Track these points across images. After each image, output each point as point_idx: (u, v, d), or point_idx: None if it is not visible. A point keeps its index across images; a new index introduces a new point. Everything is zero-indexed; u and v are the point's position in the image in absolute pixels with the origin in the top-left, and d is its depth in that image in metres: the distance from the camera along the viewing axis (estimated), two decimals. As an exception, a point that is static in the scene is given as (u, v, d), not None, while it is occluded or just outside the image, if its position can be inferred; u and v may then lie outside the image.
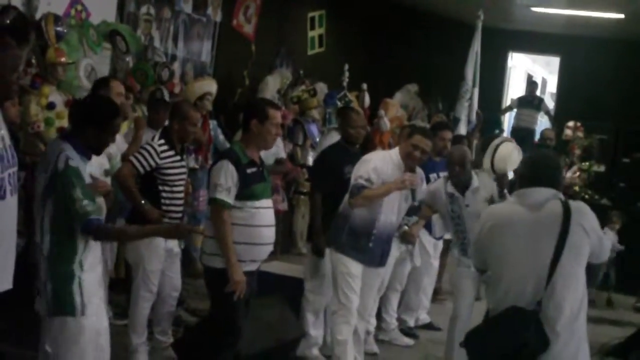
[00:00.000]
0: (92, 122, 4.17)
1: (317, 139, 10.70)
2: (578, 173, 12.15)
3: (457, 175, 6.24)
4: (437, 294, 8.86)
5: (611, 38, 14.54)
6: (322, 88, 11.95)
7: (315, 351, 6.68)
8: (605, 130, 13.95)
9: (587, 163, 12.45)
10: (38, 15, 7.34)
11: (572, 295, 3.93)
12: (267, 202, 5.30)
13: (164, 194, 5.95)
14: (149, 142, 6.01)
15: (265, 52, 11.72)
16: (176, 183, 6.03)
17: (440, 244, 7.89)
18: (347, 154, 6.46)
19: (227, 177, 5.04)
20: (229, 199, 5.05)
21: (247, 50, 11.17)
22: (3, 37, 3.66)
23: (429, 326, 8.14)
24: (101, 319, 4.25)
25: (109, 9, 8.66)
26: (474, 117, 10.37)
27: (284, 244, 10.49)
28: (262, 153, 5.48)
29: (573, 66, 15.60)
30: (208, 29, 10.70)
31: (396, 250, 6.74)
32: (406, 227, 6.69)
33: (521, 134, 13.69)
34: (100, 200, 5.51)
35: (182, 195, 6.14)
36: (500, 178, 6.42)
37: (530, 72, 19.07)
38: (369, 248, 5.93)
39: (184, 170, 6.18)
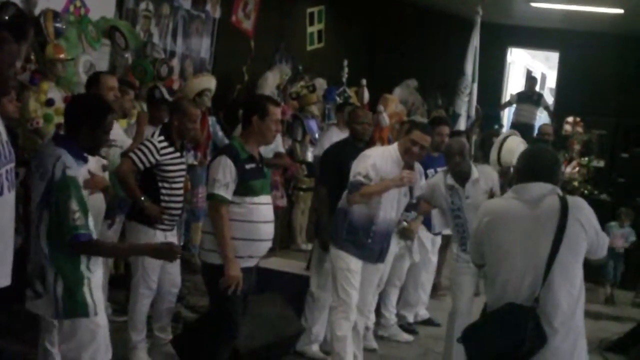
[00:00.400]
0: (85, 121, 4.12)
1: (317, 135, 10.70)
2: (577, 168, 12.16)
3: (457, 166, 6.22)
4: (436, 290, 8.86)
5: (610, 33, 14.53)
6: (321, 84, 11.96)
7: (315, 347, 6.69)
8: (605, 126, 13.94)
9: (587, 158, 12.47)
10: (37, 12, 7.33)
11: (569, 291, 3.93)
12: (266, 198, 5.30)
13: (163, 191, 5.95)
14: (149, 139, 6.00)
15: (265, 48, 11.71)
16: (176, 180, 6.02)
17: (439, 239, 7.90)
18: (354, 150, 6.44)
19: (225, 172, 5.04)
20: (227, 194, 5.05)
21: (246, 46, 11.16)
22: (0, 32, 3.66)
23: (428, 322, 8.15)
24: (104, 315, 4.25)
25: (107, 5, 8.65)
26: (473, 112, 10.36)
27: (283, 240, 10.49)
28: (262, 149, 5.48)
29: (572, 61, 15.58)
30: (207, 25, 10.69)
31: (395, 246, 6.75)
32: (405, 223, 6.69)
33: (520, 129, 13.56)
34: (99, 199, 5.54)
35: (181, 191, 6.14)
36: (506, 171, 6.42)
37: (530, 67, 19.06)
38: (368, 244, 5.94)
39: (183, 166, 6.18)
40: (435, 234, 7.66)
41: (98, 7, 8.27)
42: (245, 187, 5.11)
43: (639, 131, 13.71)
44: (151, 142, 5.90)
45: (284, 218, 10.47)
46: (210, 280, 5.29)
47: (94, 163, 5.02)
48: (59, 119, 6.74)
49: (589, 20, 13.95)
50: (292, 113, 10.89)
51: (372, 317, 7.04)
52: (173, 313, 6.45)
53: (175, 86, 8.90)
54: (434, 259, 8.02)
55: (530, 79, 15.86)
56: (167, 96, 7.42)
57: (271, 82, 10.99)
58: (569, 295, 3.93)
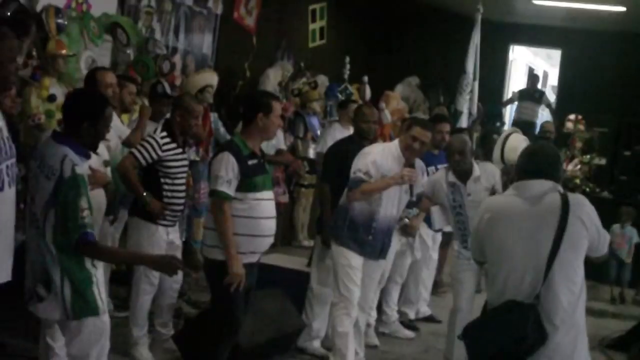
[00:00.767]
0: (85, 117, 4.11)
1: (318, 132, 10.70)
2: (579, 166, 12.16)
3: (458, 164, 6.23)
4: (438, 287, 8.87)
5: (613, 31, 14.52)
6: (323, 80, 11.95)
7: (316, 343, 6.69)
8: (607, 123, 13.95)
9: (588, 156, 12.46)
10: (39, 8, 7.33)
11: (570, 288, 3.91)
12: (268, 194, 5.31)
13: (165, 187, 5.95)
14: (151, 135, 6.01)
15: (266, 44, 11.71)
16: (178, 175, 6.03)
17: (439, 236, 7.90)
18: (358, 148, 6.43)
19: (227, 169, 5.04)
20: (230, 191, 5.05)
21: (248, 43, 11.15)
22: (0, 27, 3.65)
23: (429, 319, 8.16)
24: (107, 312, 4.26)
25: (109, 1, 8.65)
26: (474, 110, 10.37)
27: (285, 237, 10.50)
28: (263, 145, 5.49)
29: (574, 59, 15.58)
30: (209, 22, 10.69)
31: (397, 243, 6.75)
32: (407, 220, 6.69)
33: (522, 127, 13.54)
34: (100, 194, 5.54)
35: (183, 187, 6.15)
36: (510, 169, 6.42)
37: (532, 65, 19.06)
38: (369, 240, 5.94)
39: (185, 162, 6.18)
40: (436, 231, 7.65)
41: (100, 3, 8.26)
42: (247, 183, 5.11)
43: (641, 129, 13.74)
44: (153, 138, 5.91)
45: (285, 214, 10.49)
46: (212, 276, 5.30)
47: (95, 159, 5.01)
48: (60, 115, 6.74)
49: (591, 18, 13.94)
50: (294, 110, 10.90)
51: (374, 314, 7.05)
52: (174, 309, 6.46)
53: (177, 82, 8.90)
54: (435, 255, 8.03)
55: (532, 77, 15.87)
56: (169, 91, 7.41)
57: (273, 78, 11.00)
58: (570, 293, 3.91)
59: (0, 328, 5.81)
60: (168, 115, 6.44)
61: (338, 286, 5.98)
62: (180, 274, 6.21)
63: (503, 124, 14.71)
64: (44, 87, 6.82)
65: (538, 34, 15.74)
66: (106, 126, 4.27)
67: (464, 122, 10.10)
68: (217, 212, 5.10)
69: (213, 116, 8.67)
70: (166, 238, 5.95)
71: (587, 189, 11.41)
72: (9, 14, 6.63)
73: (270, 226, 5.27)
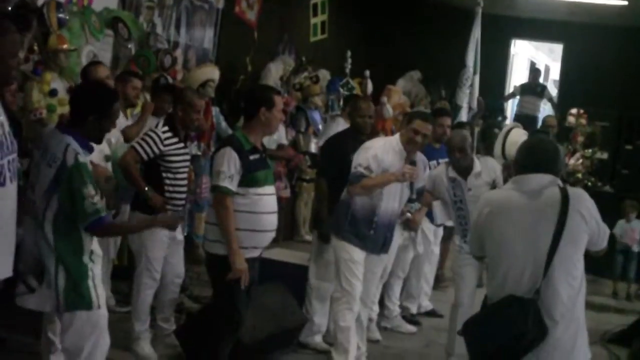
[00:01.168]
0: (93, 110, 4.12)
1: (320, 126, 10.70)
2: (581, 160, 12.13)
3: (458, 160, 6.23)
4: (439, 281, 8.88)
5: (614, 25, 14.50)
6: (324, 75, 11.94)
7: (318, 338, 6.69)
8: (608, 117, 13.93)
9: (590, 150, 12.44)
10: (40, 2, 7.32)
11: (570, 283, 3.89)
12: (270, 189, 5.30)
13: (167, 181, 5.95)
14: (153, 129, 6.00)
15: (268, 39, 11.69)
16: (179, 170, 6.02)
17: (441, 230, 7.90)
18: (355, 141, 6.42)
19: (229, 164, 5.03)
20: (232, 186, 5.05)
21: (250, 37, 11.13)
22: (2, 21, 3.65)
23: (431, 313, 8.16)
24: (104, 305, 4.26)
25: (111, -5, 8.65)
26: (474, 104, 10.35)
27: (287, 231, 10.50)
28: (265, 140, 5.48)
29: (576, 53, 15.56)
30: (210, 16, 10.68)
31: (399, 237, 6.75)
32: (409, 215, 6.69)
33: (524, 121, 13.58)
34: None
35: (185, 182, 6.14)
36: (511, 164, 6.41)
37: (533, 59, 19.04)
38: (371, 235, 5.94)
39: (187, 157, 6.17)
40: (438, 226, 7.65)
41: (101, -2, 8.27)
42: (249, 178, 5.10)
43: (643, 123, 13.73)
44: (155, 133, 5.90)
45: (287, 209, 10.49)
46: (214, 271, 5.29)
47: (96, 153, 5.01)
48: (62, 110, 6.74)
49: (593, 12, 13.92)
50: (296, 104, 10.89)
51: (376, 309, 7.05)
52: (176, 303, 6.46)
53: (179, 77, 8.89)
54: (437, 250, 8.03)
55: (534, 71, 15.85)
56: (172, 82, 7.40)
57: (274, 73, 10.98)
58: (570, 287, 3.90)
59: (1, 323, 5.81)
60: (169, 110, 6.43)
61: (340, 281, 5.98)
62: (182, 269, 6.23)
63: (505, 118, 14.70)
64: (46, 82, 6.82)
65: (539, 28, 15.71)
66: (112, 122, 4.29)
67: (463, 117, 10.08)
68: (219, 208, 5.09)
69: (215, 110, 8.67)
70: (168, 233, 5.94)
71: (589, 183, 11.40)
72: (10, 8, 6.62)
73: (272, 221, 5.27)
